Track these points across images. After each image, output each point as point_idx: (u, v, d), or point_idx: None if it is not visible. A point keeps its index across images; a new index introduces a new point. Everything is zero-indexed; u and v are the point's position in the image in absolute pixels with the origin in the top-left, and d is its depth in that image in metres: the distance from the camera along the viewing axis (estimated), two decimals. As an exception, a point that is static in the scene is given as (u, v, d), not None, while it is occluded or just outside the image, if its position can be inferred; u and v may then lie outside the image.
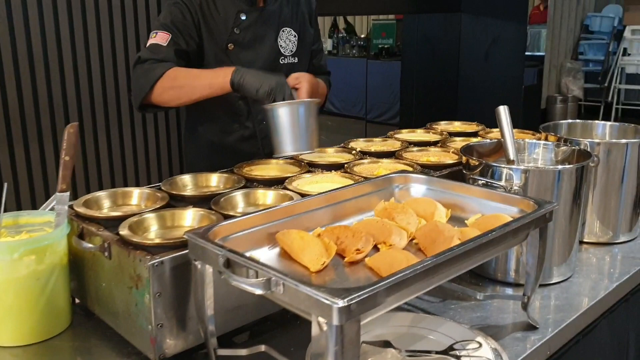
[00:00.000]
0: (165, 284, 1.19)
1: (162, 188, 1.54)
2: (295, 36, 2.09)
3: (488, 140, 1.82)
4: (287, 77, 1.80)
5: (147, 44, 1.92)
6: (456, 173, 1.76)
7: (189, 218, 1.36)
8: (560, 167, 1.55)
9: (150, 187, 1.56)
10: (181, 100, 1.90)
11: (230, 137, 2.14)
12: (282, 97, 1.71)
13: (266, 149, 2.14)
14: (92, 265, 1.33)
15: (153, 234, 1.31)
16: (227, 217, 1.36)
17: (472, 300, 1.50)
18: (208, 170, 1.73)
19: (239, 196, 1.49)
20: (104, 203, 1.47)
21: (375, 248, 1.29)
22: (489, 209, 1.41)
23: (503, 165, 1.55)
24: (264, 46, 2.04)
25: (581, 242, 1.88)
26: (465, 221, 1.41)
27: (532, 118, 6.75)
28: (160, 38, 1.91)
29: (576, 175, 1.56)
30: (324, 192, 1.41)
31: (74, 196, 1.43)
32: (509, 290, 1.59)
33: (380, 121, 8.22)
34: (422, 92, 6.61)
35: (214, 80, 1.82)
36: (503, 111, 1.76)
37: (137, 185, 2.11)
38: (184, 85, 1.86)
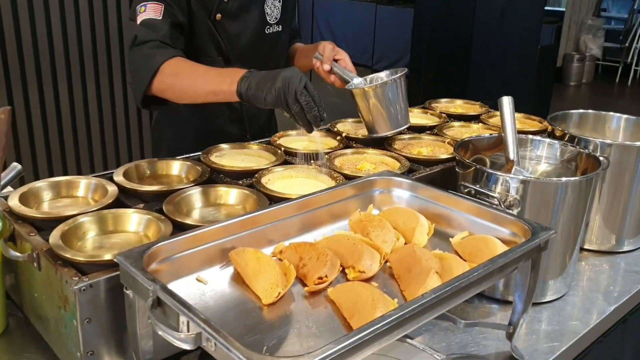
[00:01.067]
0: (97, 308, 1.04)
1: (114, 178, 1.37)
2: (279, 1, 1.88)
3: (487, 135, 1.63)
4: (302, 53, 1.71)
5: (139, 19, 1.66)
6: (450, 170, 1.58)
7: (134, 222, 1.19)
8: (564, 179, 1.37)
9: (100, 177, 1.39)
10: (184, 101, 1.68)
11: (218, 120, 1.95)
12: (293, 97, 1.38)
13: (252, 131, 1.98)
14: (24, 271, 1.18)
15: (89, 243, 1.16)
16: (177, 224, 1.19)
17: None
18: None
19: (197, 194, 1.32)
20: (45, 195, 1.31)
21: (344, 270, 1.13)
22: (477, 228, 1.24)
23: (499, 173, 1.36)
24: (251, 15, 1.83)
25: (581, 249, 1.71)
26: (450, 239, 1.25)
27: (546, 79, 6.47)
28: (152, 11, 1.64)
29: (582, 187, 1.38)
30: (294, 200, 1.24)
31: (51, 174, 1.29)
32: (495, 307, 1.43)
33: (384, 67, 7.91)
34: (433, 47, 6.32)
35: (218, 88, 1.53)
36: (507, 103, 1.57)
37: (106, 168, 1.94)
38: (187, 87, 1.59)
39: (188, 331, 0.86)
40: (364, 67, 8.03)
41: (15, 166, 1.45)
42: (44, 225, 1.19)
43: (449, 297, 0.94)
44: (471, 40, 6.16)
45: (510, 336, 1.24)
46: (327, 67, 1.71)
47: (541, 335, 1.34)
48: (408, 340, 1.24)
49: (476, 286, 1.01)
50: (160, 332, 0.86)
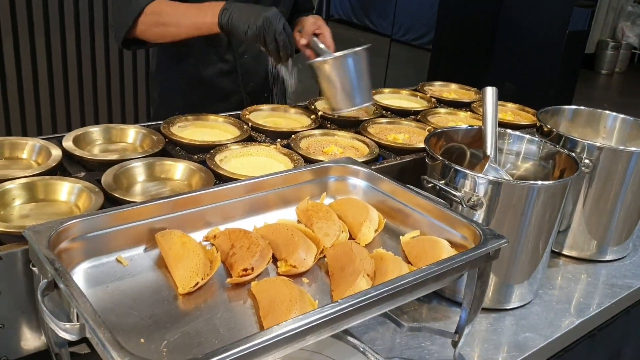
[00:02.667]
0: (8, 280, 0.99)
1: (62, 143, 1.32)
2: None
3: (464, 127, 1.53)
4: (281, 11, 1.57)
5: None
6: (422, 161, 1.49)
7: (65, 192, 1.14)
8: (537, 183, 1.27)
9: (49, 139, 1.33)
10: (166, 39, 1.70)
11: (208, 70, 1.89)
12: (272, 36, 1.50)
13: (247, 87, 1.92)
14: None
15: (16, 210, 1.10)
16: (110, 197, 1.13)
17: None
18: (183, 108, 1.60)
19: (141, 167, 1.25)
20: (-17, 156, 1.25)
21: (276, 260, 1.07)
22: (430, 228, 1.16)
23: (466, 171, 1.27)
24: None
25: (560, 255, 1.62)
26: (401, 237, 1.17)
27: (573, 65, 6.23)
28: None
29: (555, 192, 1.28)
30: (239, 182, 1.17)
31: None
32: (454, 310, 1.36)
33: (407, 41, 7.66)
34: (457, 26, 6.10)
35: (200, 20, 1.60)
36: (490, 94, 1.48)
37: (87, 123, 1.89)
38: (169, 23, 1.64)
39: (78, 321, 0.80)
40: (384, 36, 7.78)
41: None
42: (-25, 189, 1.14)
43: (366, 306, 0.86)
44: (497, 20, 5.95)
45: (454, 344, 1.16)
46: (303, 41, 1.67)
47: (497, 344, 1.27)
48: (349, 338, 1.17)
49: (405, 295, 0.93)
50: (46, 319, 0.80)
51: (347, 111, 1.61)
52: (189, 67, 1.88)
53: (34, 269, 0.93)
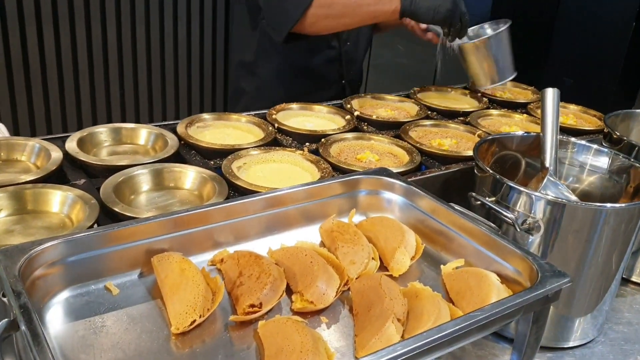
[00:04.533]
0: (-18, 307, 0.86)
1: (66, 144, 1.18)
2: None
3: (520, 134, 1.33)
4: None
5: None
6: (471, 171, 1.30)
7: (57, 202, 1.00)
8: (608, 205, 1.06)
9: (50, 139, 1.21)
10: (335, 30, 1.69)
11: (316, 58, 1.85)
12: (458, 17, 1.59)
13: (348, 76, 1.89)
14: None
15: (0, 224, 0.97)
16: (108, 210, 0.99)
17: None
18: (282, 100, 1.58)
19: (146, 174, 1.11)
20: (-20, 157, 1.13)
21: (290, 291, 0.91)
22: (476, 257, 0.98)
23: (521, 188, 1.08)
24: None
25: (628, 282, 1.41)
26: (442, 266, 0.99)
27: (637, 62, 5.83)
28: None
29: (630, 216, 1.08)
30: (256, 196, 1.01)
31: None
32: (505, 347, 1.17)
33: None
34: (513, 15, 5.79)
35: (379, 9, 1.59)
36: (550, 96, 1.28)
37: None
38: (342, 14, 1.61)
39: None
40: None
41: None
42: (-38, 195, 1.02)
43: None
44: (557, 11, 5.61)
45: (503, 395, 0.98)
46: (424, 25, 1.72)
47: (549, 393, 1.08)
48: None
49: (442, 349, 0.76)
50: (-1, 369, 0.66)
51: (496, 86, 1.78)
52: (295, 56, 1.84)
53: (4, 299, 0.79)
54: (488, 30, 1.84)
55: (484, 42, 1.68)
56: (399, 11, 1.57)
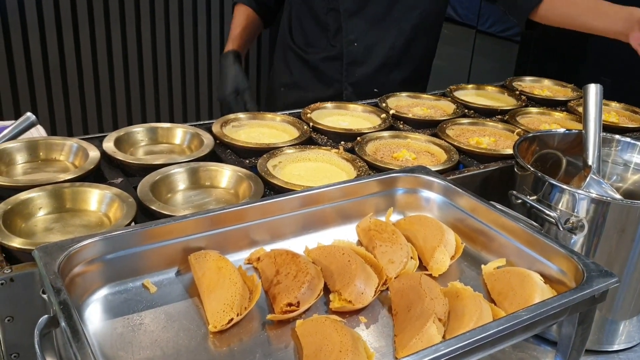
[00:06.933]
0: (23, 304, 0.87)
1: (103, 144, 1.19)
2: None
3: (562, 131, 1.30)
4: None
5: None
6: (510, 170, 1.27)
7: (95, 200, 1.00)
8: (653, 202, 1.03)
9: (88, 139, 1.22)
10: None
11: (314, 53, 1.84)
12: None
13: (351, 77, 1.83)
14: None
15: (39, 222, 0.98)
16: (146, 209, 1.00)
17: None
18: (289, 83, 1.73)
19: (181, 174, 1.11)
20: (18, 157, 1.15)
21: (327, 290, 0.89)
22: (519, 257, 0.95)
23: (563, 186, 1.05)
24: None
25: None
26: (483, 266, 0.97)
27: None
28: None
29: (676, 214, 1.04)
30: (293, 194, 1.00)
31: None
32: (545, 349, 1.14)
33: (494, 33, 7.25)
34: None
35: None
36: (593, 92, 1.25)
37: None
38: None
39: (80, 367, 0.65)
40: (468, 27, 7.40)
41: (29, 117, 1.32)
42: (4, 194, 1.03)
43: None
44: None
45: (546, 398, 0.96)
46: None
47: (594, 398, 1.05)
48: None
49: (485, 349, 0.74)
50: (41, 366, 0.66)
51: None
52: (299, 46, 1.86)
53: (44, 296, 0.80)
54: None
55: None
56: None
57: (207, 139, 1.25)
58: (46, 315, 0.71)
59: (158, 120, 3.47)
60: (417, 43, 1.82)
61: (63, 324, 0.68)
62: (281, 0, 1.93)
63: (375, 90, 1.80)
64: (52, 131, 3.27)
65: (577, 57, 5.52)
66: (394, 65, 1.82)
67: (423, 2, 1.78)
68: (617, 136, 1.28)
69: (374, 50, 1.79)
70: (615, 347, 1.15)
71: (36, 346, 0.68)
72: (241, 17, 1.89)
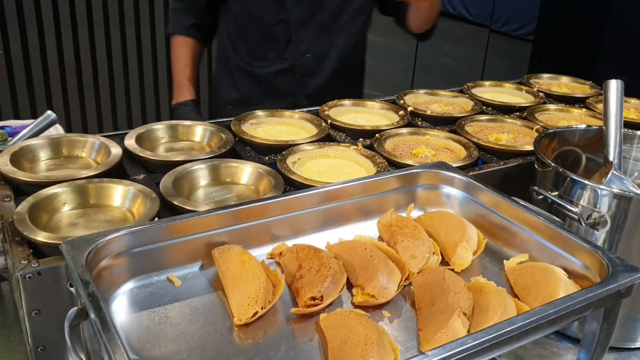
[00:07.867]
0: (50, 298, 0.88)
1: (125, 141, 1.20)
2: None
3: (582, 127, 1.29)
4: None
5: None
6: (530, 166, 1.27)
7: (119, 196, 1.01)
8: (674, 197, 1.03)
9: (109, 136, 1.23)
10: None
11: (263, 67, 1.74)
12: None
13: (307, 89, 1.75)
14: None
15: (64, 217, 0.99)
16: (169, 205, 1.00)
17: None
18: (237, 100, 1.60)
19: (203, 170, 1.12)
20: (41, 154, 1.16)
21: (349, 285, 0.90)
22: (541, 252, 0.95)
23: (585, 181, 1.05)
24: None
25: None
26: (505, 262, 0.97)
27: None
28: None
29: (700, 210, 1.03)
30: (313, 189, 1.01)
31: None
32: (567, 346, 1.14)
33: (507, 32, 7.23)
34: (562, 12, 5.67)
35: None
36: (614, 88, 1.24)
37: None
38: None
39: (110, 359, 0.66)
40: (482, 27, 7.38)
41: (50, 115, 1.33)
42: (28, 190, 1.05)
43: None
44: (609, 6, 5.46)
45: (568, 394, 0.95)
46: None
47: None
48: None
49: (511, 343, 0.74)
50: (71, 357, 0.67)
51: None
52: (244, 62, 1.75)
53: (72, 289, 0.81)
54: None
55: None
56: None
57: (227, 136, 1.26)
58: (75, 308, 0.72)
59: (172, 118, 3.49)
60: (360, 45, 1.81)
61: (92, 315, 0.69)
62: (216, 16, 1.82)
63: (327, 98, 1.68)
64: (67, 129, 3.30)
65: (591, 55, 5.49)
66: (345, 71, 1.77)
67: (367, 5, 1.74)
68: (638, 132, 1.28)
69: (325, 59, 1.74)
70: (638, 344, 1.14)
71: (67, 337, 0.68)
72: (183, 51, 1.77)
